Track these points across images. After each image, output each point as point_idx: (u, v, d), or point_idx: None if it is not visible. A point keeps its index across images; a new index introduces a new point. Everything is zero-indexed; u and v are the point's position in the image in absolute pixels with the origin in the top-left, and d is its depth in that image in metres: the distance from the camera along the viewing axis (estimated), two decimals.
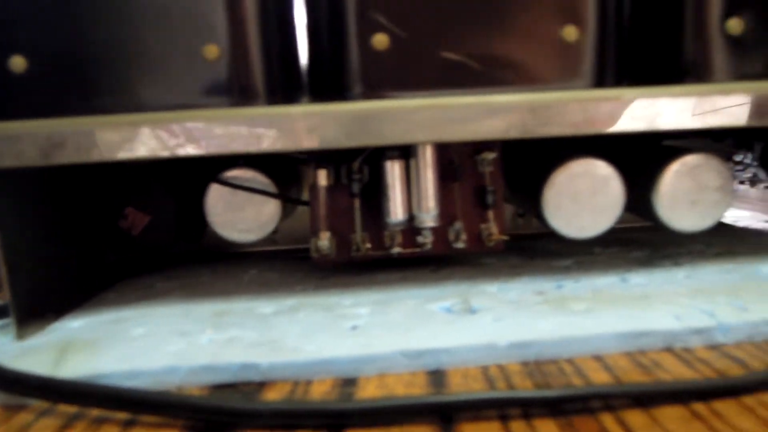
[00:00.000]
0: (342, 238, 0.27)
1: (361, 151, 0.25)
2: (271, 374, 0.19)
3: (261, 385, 0.19)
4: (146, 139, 0.21)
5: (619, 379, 0.18)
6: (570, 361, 0.19)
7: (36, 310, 0.23)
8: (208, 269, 0.32)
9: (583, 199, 0.26)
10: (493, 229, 0.26)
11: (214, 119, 0.21)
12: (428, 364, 0.19)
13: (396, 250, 0.26)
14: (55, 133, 0.20)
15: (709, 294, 0.22)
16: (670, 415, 0.16)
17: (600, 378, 0.18)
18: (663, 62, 0.23)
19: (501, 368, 0.19)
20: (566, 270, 0.27)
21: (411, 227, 0.26)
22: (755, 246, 0.29)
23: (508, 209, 0.37)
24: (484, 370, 0.19)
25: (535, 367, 0.19)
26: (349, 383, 0.19)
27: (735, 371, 0.18)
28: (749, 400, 0.16)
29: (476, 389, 0.18)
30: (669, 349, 0.20)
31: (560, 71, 0.22)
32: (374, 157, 0.25)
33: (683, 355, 0.19)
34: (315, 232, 0.26)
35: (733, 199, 0.26)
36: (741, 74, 0.23)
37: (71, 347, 0.21)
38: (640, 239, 0.33)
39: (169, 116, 0.21)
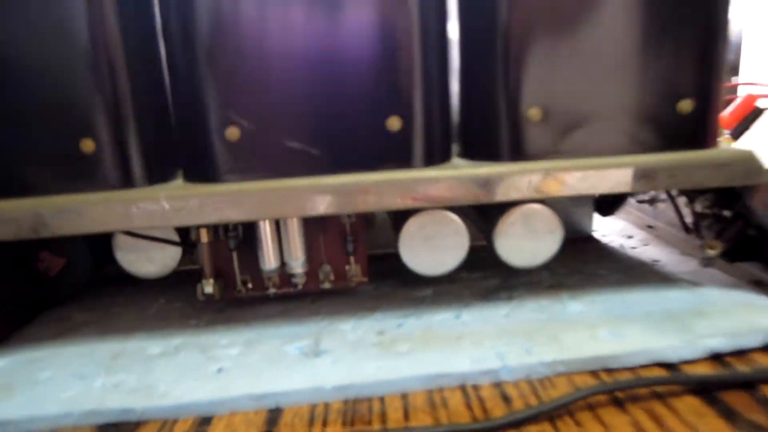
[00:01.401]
0: (229, 280, 0.31)
1: None
2: (145, 416, 0.24)
3: (137, 425, 0.24)
4: (44, 220, 0.25)
5: (409, 416, 0.23)
6: (381, 400, 0.24)
7: None
8: (122, 296, 0.36)
9: (432, 243, 0.31)
10: (355, 271, 0.31)
11: (87, 203, 0.25)
12: (269, 405, 0.24)
13: (272, 290, 0.31)
14: None
15: (511, 336, 0.27)
16: None
17: (396, 416, 0.23)
18: (484, 145, 0.28)
19: (326, 406, 0.24)
20: (420, 302, 0.32)
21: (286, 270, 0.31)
22: (587, 277, 0.35)
23: None
24: (312, 408, 0.24)
25: (351, 406, 0.24)
26: (205, 422, 0.24)
27: (500, 408, 0.23)
28: None
29: (299, 426, 0.23)
30: (462, 388, 0.25)
31: (388, 156, 0.26)
32: None
33: (470, 393, 0.24)
34: (201, 279, 0.30)
35: (561, 241, 0.31)
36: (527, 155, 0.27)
37: None
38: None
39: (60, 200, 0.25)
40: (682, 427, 0.21)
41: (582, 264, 0.37)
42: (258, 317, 0.32)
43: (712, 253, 0.31)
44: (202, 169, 0.26)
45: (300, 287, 0.31)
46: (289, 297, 0.33)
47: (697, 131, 0.27)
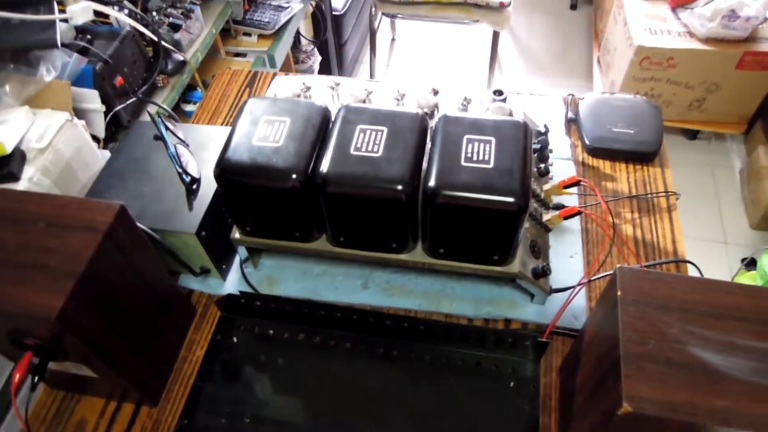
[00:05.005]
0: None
1: None
2: (317, 298, 0.85)
3: (316, 302, 0.85)
4: None
5: (385, 315, 0.83)
6: (384, 310, 0.84)
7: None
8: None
9: None
10: None
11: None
12: (351, 304, 0.84)
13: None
14: None
15: (425, 296, 0.84)
16: None
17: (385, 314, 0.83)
18: None
19: (365, 307, 0.84)
20: (404, 270, 0.88)
21: None
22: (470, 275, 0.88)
23: None
24: (362, 306, 0.84)
25: (371, 309, 0.84)
26: (333, 306, 0.85)
27: (421, 318, 0.82)
28: None
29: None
30: (406, 311, 0.83)
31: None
32: None
33: (410, 313, 0.83)
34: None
35: None
36: None
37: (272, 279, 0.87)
38: None
39: None
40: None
41: None
42: (345, 265, 0.89)
43: None
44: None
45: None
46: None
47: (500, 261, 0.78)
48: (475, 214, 0.69)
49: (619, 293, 0.55)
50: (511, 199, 0.67)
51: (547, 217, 0.84)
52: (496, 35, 2.08)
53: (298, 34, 1.84)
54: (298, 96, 0.89)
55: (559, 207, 0.86)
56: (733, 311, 0.53)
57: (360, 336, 0.81)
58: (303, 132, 0.74)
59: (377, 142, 0.72)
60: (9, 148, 0.83)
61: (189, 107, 1.30)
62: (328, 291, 0.86)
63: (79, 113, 1.00)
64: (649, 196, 0.96)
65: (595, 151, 1.01)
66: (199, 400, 0.75)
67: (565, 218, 0.84)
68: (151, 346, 0.75)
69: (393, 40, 2.75)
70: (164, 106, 1.08)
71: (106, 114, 1.02)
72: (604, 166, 1.01)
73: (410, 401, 0.75)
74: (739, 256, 1.95)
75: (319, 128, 0.75)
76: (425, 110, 0.85)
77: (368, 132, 0.73)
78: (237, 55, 1.48)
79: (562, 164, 1.00)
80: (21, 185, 0.84)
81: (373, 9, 2.07)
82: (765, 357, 0.51)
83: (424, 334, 0.78)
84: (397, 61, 2.67)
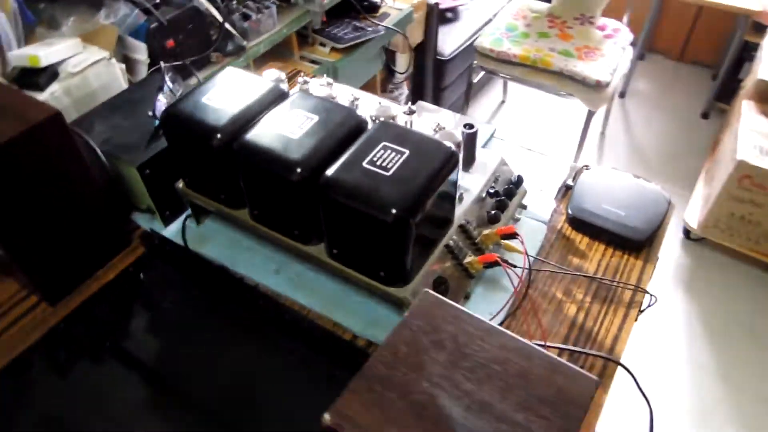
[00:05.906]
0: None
1: None
2: (235, 270, 0.87)
3: (232, 273, 0.87)
4: None
5: (280, 303, 0.82)
6: (291, 302, 0.83)
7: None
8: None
9: None
10: None
11: None
12: (257, 285, 0.85)
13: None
14: None
15: (331, 299, 0.82)
16: None
17: (289, 303, 0.82)
18: None
19: (277, 294, 0.84)
20: (317, 268, 0.87)
21: None
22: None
23: None
24: (276, 294, 0.84)
25: (279, 295, 0.84)
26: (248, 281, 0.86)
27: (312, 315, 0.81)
28: None
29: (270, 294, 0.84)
30: (303, 307, 0.82)
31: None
32: None
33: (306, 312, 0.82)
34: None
35: None
36: None
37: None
38: None
39: None
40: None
41: None
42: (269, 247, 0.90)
43: None
44: None
45: None
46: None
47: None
48: (357, 217, 0.67)
49: (406, 314, 0.50)
50: (390, 210, 0.64)
51: (468, 259, 0.78)
52: (590, 114, 1.99)
53: (388, 63, 1.92)
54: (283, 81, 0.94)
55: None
56: (514, 377, 0.46)
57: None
58: (249, 103, 0.78)
59: (302, 126, 0.74)
60: (43, 63, 0.98)
61: None
62: (244, 265, 0.87)
63: (126, 58, 1.14)
64: (614, 284, 0.85)
65: (575, 223, 0.92)
66: (83, 316, 0.80)
67: (486, 266, 0.78)
68: (65, 252, 0.82)
69: (503, 102, 2.74)
70: (198, 74, 1.19)
71: (150, 66, 1.16)
72: (581, 241, 0.92)
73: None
74: None
75: (267, 104, 0.79)
76: (381, 117, 0.84)
77: (300, 116, 0.76)
78: (312, 62, 1.58)
79: (532, 224, 0.93)
80: (42, 96, 0.98)
81: (474, 62, 2.10)
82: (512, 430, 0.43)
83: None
84: (497, 120, 2.65)
